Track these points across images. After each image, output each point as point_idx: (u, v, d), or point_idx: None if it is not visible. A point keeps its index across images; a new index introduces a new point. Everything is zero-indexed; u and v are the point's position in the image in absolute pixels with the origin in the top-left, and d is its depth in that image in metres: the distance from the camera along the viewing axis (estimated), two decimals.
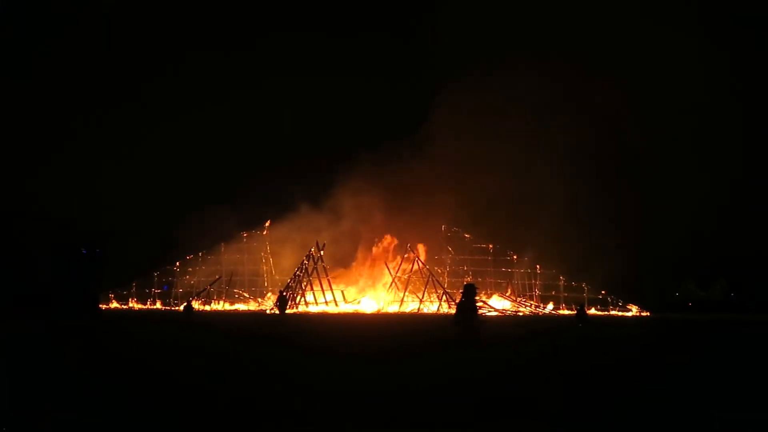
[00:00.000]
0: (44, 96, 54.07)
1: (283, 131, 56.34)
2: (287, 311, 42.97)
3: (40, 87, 53.89)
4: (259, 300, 52.60)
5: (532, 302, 51.04)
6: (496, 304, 49.68)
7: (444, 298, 48.48)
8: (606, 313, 48.20)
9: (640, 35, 51.53)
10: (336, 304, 49.49)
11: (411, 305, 49.64)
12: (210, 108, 58.13)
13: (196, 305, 47.09)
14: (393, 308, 49.47)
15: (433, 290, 49.74)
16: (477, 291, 12.12)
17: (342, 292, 51.57)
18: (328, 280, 50.51)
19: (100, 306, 28.94)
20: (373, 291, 52.57)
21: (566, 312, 47.37)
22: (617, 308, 49.09)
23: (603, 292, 49.81)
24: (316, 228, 52.07)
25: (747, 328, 25.10)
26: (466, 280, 52.90)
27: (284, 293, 39.69)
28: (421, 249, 52.30)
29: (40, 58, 54.67)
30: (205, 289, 53.07)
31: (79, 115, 55.18)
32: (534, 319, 37.97)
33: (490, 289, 51.92)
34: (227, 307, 51.61)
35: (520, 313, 46.59)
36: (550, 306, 50.35)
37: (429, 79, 55.39)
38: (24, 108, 53.33)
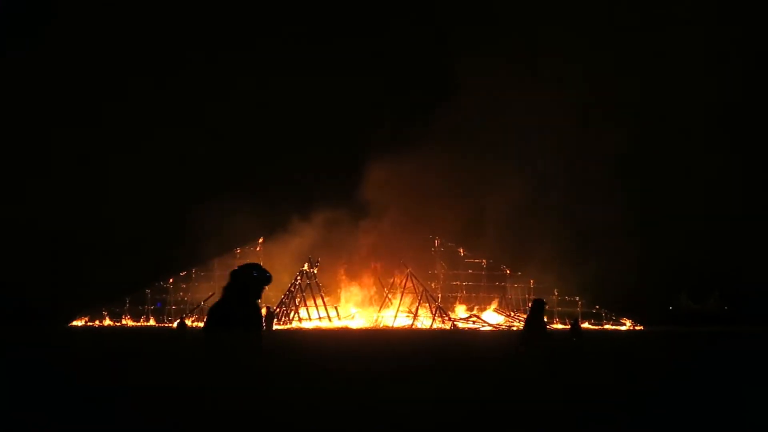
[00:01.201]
0: (34, 96, 53.33)
1: (277, 136, 55.11)
2: (277, 327, 43.04)
3: (33, 86, 53.30)
4: None
5: (526, 317, 50.98)
6: (490, 318, 49.68)
7: (437, 313, 48.44)
8: (600, 327, 48.24)
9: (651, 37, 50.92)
10: (330, 320, 49.36)
11: (404, 320, 49.50)
12: (207, 110, 57.00)
13: (189, 322, 46.86)
14: (386, 323, 49.34)
15: (426, 305, 49.65)
16: (546, 306, 12.17)
17: (336, 307, 51.47)
18: (321, 296, 50.44)
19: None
20: (366, 307, 52.47)
21: (560, 326, 47.37)
22: (611, 322, 49.15)
23: (597, 306, 49.92)
24: (309, 242, 51.93)
25: (741, 340, 25.15)
26: (460, 295, 52.95)
27: (272, 309, 39.68)
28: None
29: (37, 55, 54.19)
30: (198, 306, 52.82)
31: (66, 118, 54.30)
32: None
33: (484, 304, 51.96)
34: None
35: (514, 328, 46.54)
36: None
37: (427, 84, 55.00)
38: (11, 108, 52.57)
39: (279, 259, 52.82)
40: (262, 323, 6.14)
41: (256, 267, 6.45)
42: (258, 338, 5.93)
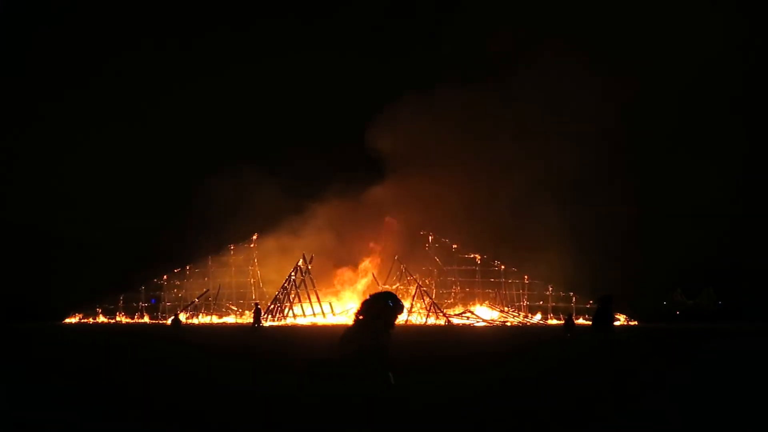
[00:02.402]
0: (22, 96, 53.12)
1: (269, 135, 54.79)
2: (264, 323, 42.95)
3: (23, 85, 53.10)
4: (247, 312, 52.36)
5: (520, 312, 51.09)
6: (484, 314, 49.71)
7: (432, 308, 48.47)
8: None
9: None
10: (324, 316, 49.32)
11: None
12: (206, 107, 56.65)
13: (183, 318, 46.84)
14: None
15: (421, 301, 49.69)
16: (612, 301, 12.68)
17: (330, 303, 51.42)
18: (316, 292, 50.34)
19: None
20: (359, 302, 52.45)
21: (554, 322, 47.51)
22: None
23: (590, 301, 50.04)
24: (303, 239, 51.90)
25: (734, 337, 25.26)
26: (455, 290, 52.96)
27: (259, 305, 39.83)
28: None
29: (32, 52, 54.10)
30: (192, 302, 52.74)
31: (57, 117, 54.06)
32: (522, 330, 37.96)
33: (478, 300, 52.03)
34: (215, 320, 51.31)
35: (508, 324, 46.61)
36: (538, 316, 50.45)
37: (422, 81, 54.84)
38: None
39: (276, 255, 52.90)
40: (388, 348, 6.40)
41: (391, 296, 6.63)
42: (383, 361, 6.17)
